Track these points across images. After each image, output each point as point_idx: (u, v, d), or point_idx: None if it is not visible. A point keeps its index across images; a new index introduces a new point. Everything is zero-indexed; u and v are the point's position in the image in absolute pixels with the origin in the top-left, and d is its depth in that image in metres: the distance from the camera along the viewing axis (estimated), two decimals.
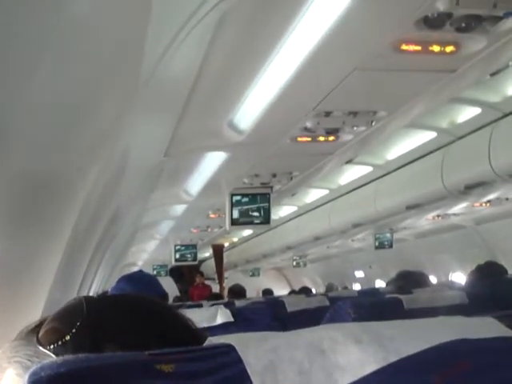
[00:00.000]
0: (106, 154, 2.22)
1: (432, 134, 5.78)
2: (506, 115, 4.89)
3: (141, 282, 2.75)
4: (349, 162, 5.83)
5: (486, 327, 0.67)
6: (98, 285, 6.91)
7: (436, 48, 2.60)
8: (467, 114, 5.25)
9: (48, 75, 1.42)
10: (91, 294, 5.74)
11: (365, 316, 2.16)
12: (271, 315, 2.86)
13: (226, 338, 0.68)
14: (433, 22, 2.36)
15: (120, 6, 1.52)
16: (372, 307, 2.30)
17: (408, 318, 2.16)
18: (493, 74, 4.05)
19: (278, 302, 3.63)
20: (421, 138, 5.93)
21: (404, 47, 2.57)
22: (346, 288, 11.93)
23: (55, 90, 1.56)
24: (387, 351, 0.61)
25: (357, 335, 0.64)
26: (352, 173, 7.39)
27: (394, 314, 2.24)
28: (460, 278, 9.10)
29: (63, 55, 1.45)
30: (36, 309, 2.38)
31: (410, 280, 3.58)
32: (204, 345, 0.71)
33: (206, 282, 13.42)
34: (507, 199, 6.67)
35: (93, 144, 2.07)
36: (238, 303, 4.57)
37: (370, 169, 7.11)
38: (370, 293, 5.12)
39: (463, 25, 2.40)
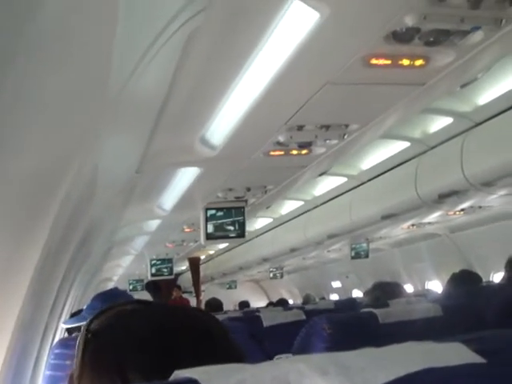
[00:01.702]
0: (75, 172, 2.19)
1: (405, 144, 5.82)
2: (478, 124, 4.94)
3: (115, 298, 2.72)
4: (323, 173, 5.84)
5: (453, 353, 0.67)
6: (72, 302, 6.82)
7: (405, 62, 2.62)
8: (439, 123, 5.29)
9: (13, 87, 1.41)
10: (65, 312, 5.67)
11: (340, 331, 2.16)
12: (247, 332, 2.85)
13: (191, 372, 0.66)
14: (402, 37, 2.38)
15: (86, 20, 1.51)
16: (347, 322, 2.30)
17: (383, 332, 2.16)
18: (463, 86, 4.09)
19: (254, 318, 3.62)
20: (394, 148, 5.97)
21: (374, 61, 2.58)
22: (323, 299, 11.96)
23: (20, 103, 1.54)
24: (354, 383, 0.60)
25: (323, 367, 0.62)
26: (326, 184, 7.41)
27: (370, 329, 2.25)
28: (436, 286, 9.16)
29: (28, 68, 1.43)
30: (5, 330, 2.34)
31: (385, 291, 3.59)
32: (169, 379, 0.69)
33: (184, 296, 13.38)
34: (480, 207, 6.72)
35: (59, 162, 2.04)
36: None
37: (344, 179, 7.13)
38: (347, 304, 5.14)
39: (431, 39, 2.42)
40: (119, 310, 0.88)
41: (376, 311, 2.29)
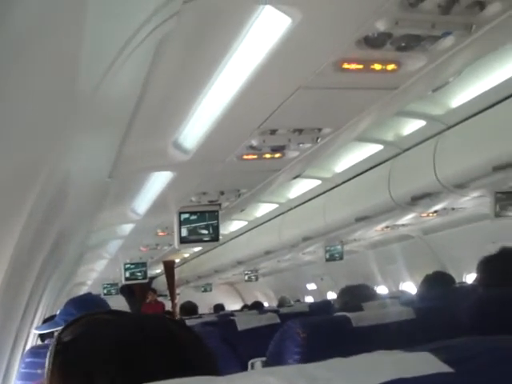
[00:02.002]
0: (45, 176, 2.17)
1: (378, 147, 5.85)
2: (450, 127, 4.97)
3: (89, 304, 2.70)
4: (297, 176, 5.85)
5: (421, 363, 0.67)
6: (45, 308, 6.76)
7: (377, 66, 2.64)
8: (412, 126, 5.32)
9: None
10: (37, 318, 5.61)
11: (314, 335, 2.17)
12: (221, 336, 2.85)
13: None
14: (373, 42, 2.39)
15: (52, 21, 1.49)
16: (321, 326, 2.30)
17: (357, 336, 2.17)
18: (435, 90, 4.12)
19: (228, 322, 3.61)
20: (367, 150, 5.99)
21: (346, 66, 2.59)
22: (298, 301, 11.98)
23: None
24: None
25: (292, 379, 0.62)
26: (301, 186, 7.42)
27: (343, 332, 2.25)
28: (410, 287, 9.22)
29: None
30: None
31: (354, 294, 3.59)
32: None
33: (159, 299, 13.32)
34: (453, 209, 6.78)
35: (29, 165, 2.02)
36: (189, 322, 4.53)
37: (318, 182, 7.14)
38: (321, 306, 5.14)
39: (403, 44, 2.44)
40: (90, 320, 0.87)
41: (349, 315, 2.29)
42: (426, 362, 0.68)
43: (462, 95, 4.57)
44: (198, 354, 0.84)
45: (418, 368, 0.65)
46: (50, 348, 0.86)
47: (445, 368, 0.66)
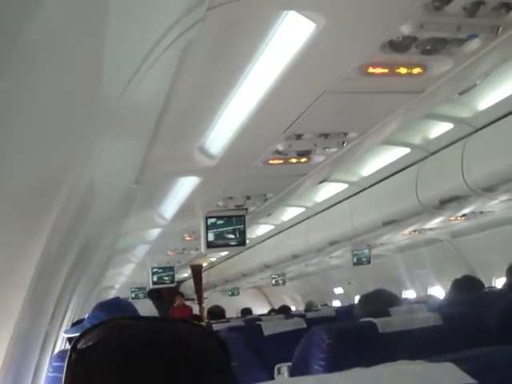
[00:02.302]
0: (71, 183, 2.19)
1: (405, 150, 5.81)
2: (478, 130, 4.92)
3: (117, 309, 2.72)
4: (323, 180, 5.83)
5: (444, 374, 0.66)
6: (73, 311, 6.82)
7: (403, 70, 2.62)
8: (439, 129, 5.28)
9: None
10: (66, 321, 5.66)
11: (339, 341, 2.16)
12: (246, 342, 2.85)
13: None
14: (398, 46, 2.38)
15: (75, 29, 1.50)
16: (346, 332, 2.29)
17: (383, 342, 2.15)
18: (461, 93, 4.08)
19: (254, 327, 3.62)
20: (394, 154, 5.95)
21: (371, 70, 2.58)
22: (325, 305, 11.93)
23: (10, 116, 1.54)
24: None
25: None
26: (327, 190, 7.39)
27: (369, 339, 2.24)
28: (438, 291, 9.14)
29: (18, 79, 1.43)
30: (3, 340, 2.34)
31: (378, 301, 3.46)
32: None
33: (186, 303, 13.35)
34: (482, 213, 6.71)
35: (55, 172, 2.04)
36: (216, 326, 4.54)
37: (345, 186, 7.12)
38: (348, 311, 5.11)
39: (428, 47, 2.42)
40: (103, 329, 0.87)
41: (376, 321, 2.28)
42: (448, 373, 0.67)
43: (490, 97, 4.52)
44: (208, 367, 0.83)
45: (441, 379, 0.65)
46: (67, 355, 0.86)
47: (468, 379, 0.65)
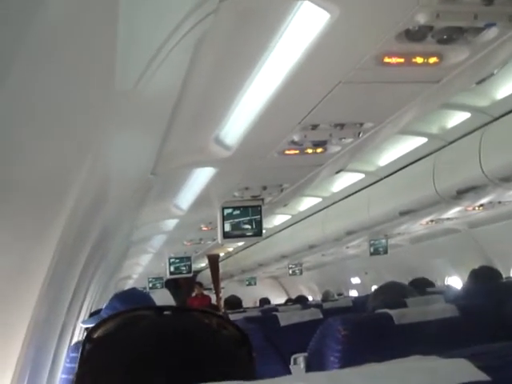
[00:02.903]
0: (86, 173, 2.20)
1: (422, 140, 5.78)
2: (496, 119, 4.89)
3: (134, 299, 2.74)
4: (340, 170, 5.82)
5: (457, 371, 0.66)
6: (90, 301, 6.86)
7: (419, 60, 2.59)
8: (457, 118, 5.24)
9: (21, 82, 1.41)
10: (83, 311, 5.70)
11: (355, 333, 2.15)
12: (263, 332, 2.85)
13: None
14: (414, 35, 2.35)
15: (87, 20, 1.50)
16: (362, 323, 2.28)
17: (398, 333, 2.14)
18: (479, 83, 4.04)
19: (271, 317, 3.62)
20: (411, 143, 5.92)
21: (387, 60, 2.56)
22: (341, 295, 11.93)
23: (25, 106, 1.54)
24: None
25: None
26: (344, 180, 7.38)
27: (385, 330, 2.23)
28: (456, 281, 9.10)
29: (31, 70, 1.43)
30: (20, 329, 2.36)
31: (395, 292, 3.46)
32: None
33: (204, 293, 13.40)
34: (500, 203, 6.66)
35: (69, 163, 2.05)
36: (233, 316, 4.55)
37: (362, 176, 7.10)
38: (365, 301, 5.10)
39: (445, 37, 2.39)
40: (119, 319, 0.87)
41: (391, 312, 2.27)
42: (461, 370, 0.66)
43: (508, 86, 4.48)
44: (222, 359, 0.82)
45: (454, 376, 0.64)
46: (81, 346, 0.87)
47: (481, 376, 0.64)
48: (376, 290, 3.25)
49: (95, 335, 0.86)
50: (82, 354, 0.84)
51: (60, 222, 2.23)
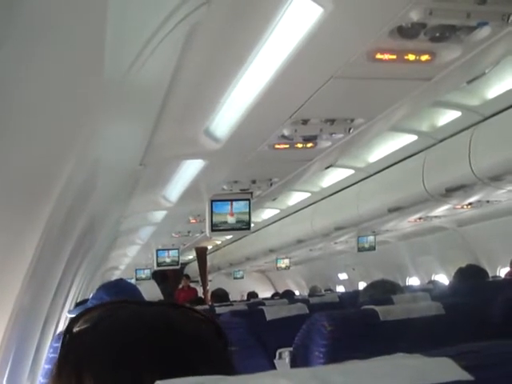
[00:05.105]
0: (74, 162, 2.18)
1: (413, 137, 5.79)
2: (486, 118, 4.90)
3: (121, 290, 2.72)
4: (329, 166, 5.82)
5: (441, 370, 0.65)
6: (76, 291, 6.84)
7: (411, 57, 2.59)
8: (447, 117, 5.26)
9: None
10: (69, 301, 5.68)
11: (340, 328, 2.15)
12: (248, 326, 2.84)
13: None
14: (407, 32, 2.35)
15: (77, 8, 1.48)
16: (347, 319, 2.28)
17: (384, 330, 2.14)
18: (470, 82, 4.05)
19: (257, 311, 3.61)
20: (402, 140, 5.93)
21: (379, 56, 2.55)
22: (329, 290, 11.95)
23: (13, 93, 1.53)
24: None
25: (304, 383, 0.61)
26: (334, 176, 7.39)
27: (370, 326, 2.23)
28: (443, 279, 9.13)
29: (18, 55, 1.42)
30: (2, 317, 2.34)
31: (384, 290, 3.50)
32: None
33: (191, 285, 13.41)
34: (488, 202, 6.69)
35: (57, 151, 2.03)
36: (219, 309, 4.55)
37: (351, 172, 7.10)
38: (352, 297, 5.11)
39: (437, 34, 2.39)
40: (97, 313, 0.86)
41: (377, 308, 2.27)
42: (445, 369, 0.65)
43: (499, 86, 4.49)
44: (202, 351, 0.82)
45: (437, 375, 0.63)
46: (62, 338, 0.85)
47: (464, 375, 0.64)
48: (366, 287, 3.26)
49: (76, 325, 0.85)
50: (62, 344, 0.83)
51: (46, 211, 2.21)
